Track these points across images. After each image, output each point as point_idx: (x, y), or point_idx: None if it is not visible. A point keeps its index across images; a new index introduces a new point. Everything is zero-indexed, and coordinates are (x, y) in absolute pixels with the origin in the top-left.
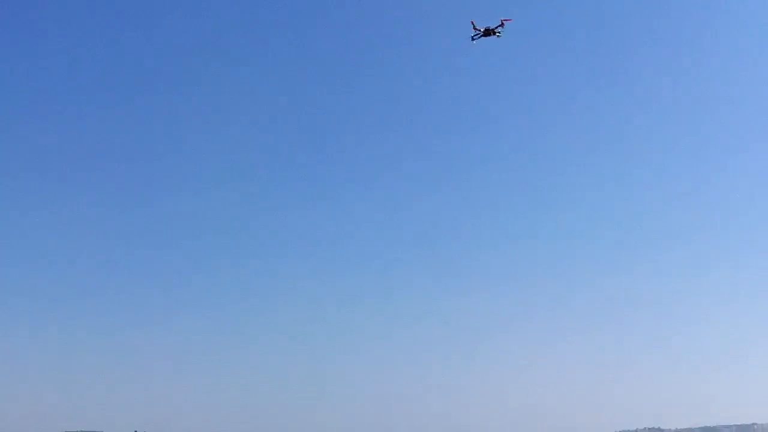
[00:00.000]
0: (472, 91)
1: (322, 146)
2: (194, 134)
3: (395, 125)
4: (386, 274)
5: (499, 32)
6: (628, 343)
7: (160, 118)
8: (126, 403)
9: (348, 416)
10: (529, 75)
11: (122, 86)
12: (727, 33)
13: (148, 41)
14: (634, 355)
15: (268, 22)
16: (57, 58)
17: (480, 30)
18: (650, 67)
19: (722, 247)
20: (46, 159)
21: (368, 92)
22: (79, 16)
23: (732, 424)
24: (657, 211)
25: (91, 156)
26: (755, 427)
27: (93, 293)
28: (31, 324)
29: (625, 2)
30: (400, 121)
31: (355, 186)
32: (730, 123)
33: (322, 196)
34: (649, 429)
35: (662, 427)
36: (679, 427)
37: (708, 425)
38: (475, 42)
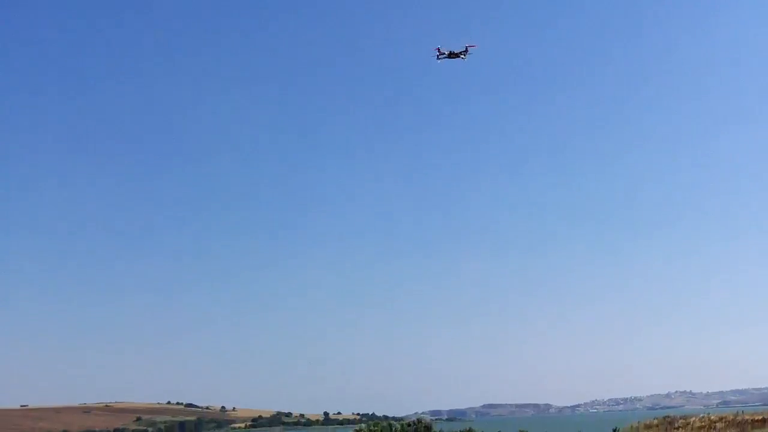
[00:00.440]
0: None
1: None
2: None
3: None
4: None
5: (464, 57)
6: (660, 307)
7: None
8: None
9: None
10: None
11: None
12: None
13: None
14: (666, 320)
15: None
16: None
17: (445, 53)
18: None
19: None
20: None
21: None
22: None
23: (763, 387)
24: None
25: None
26: None
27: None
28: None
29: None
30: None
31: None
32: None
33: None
34: (680, 392)
35: (693, 390)
36: (710, 391)
37: (738, 388)
38: (440, 61)
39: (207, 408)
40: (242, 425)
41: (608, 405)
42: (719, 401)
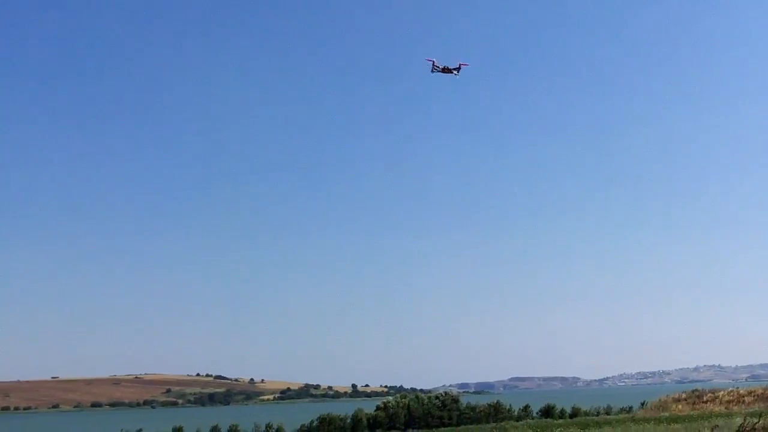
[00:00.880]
0: None
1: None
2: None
3: None
4: None
5: (456, 73)
6: (689, 281)
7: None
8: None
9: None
10: None
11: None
12: None
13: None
14: (695, 294)
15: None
16: None
17: (439, 67)
18: None
19: None
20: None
21: None
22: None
23: None
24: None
25: None
26: None
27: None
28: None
29: None
30: None
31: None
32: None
33: None
34: (709, 366)
35: (722, 364)
36: (739, 364)
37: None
38: (433, 74)
39: (236, 380)
40: (271, 397)
41: (636, 379)
42: (748, 375)
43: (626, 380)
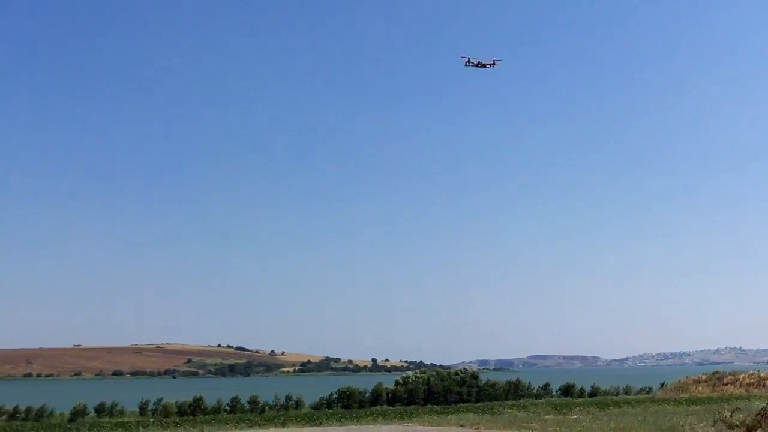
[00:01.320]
0: None
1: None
2: None
3: None
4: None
5: (489, 67)
6: (711, 262)
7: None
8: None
9: None
10: None
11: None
12: None
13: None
14: (717, 275)
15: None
16: None
17: (473, 62)
18: None
19: None
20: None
21: None
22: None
23: None
24: None
25: None
26: None
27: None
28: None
29: None
30: None
31: None
32: None
33: None
34: (730, 348)
35: (743, 347)
36: (760, 347)
37: None
38: (467, 67)
39: (256, 352)
40: (291, 369)
41: (656, 359)
42: None
43: (646, 361)
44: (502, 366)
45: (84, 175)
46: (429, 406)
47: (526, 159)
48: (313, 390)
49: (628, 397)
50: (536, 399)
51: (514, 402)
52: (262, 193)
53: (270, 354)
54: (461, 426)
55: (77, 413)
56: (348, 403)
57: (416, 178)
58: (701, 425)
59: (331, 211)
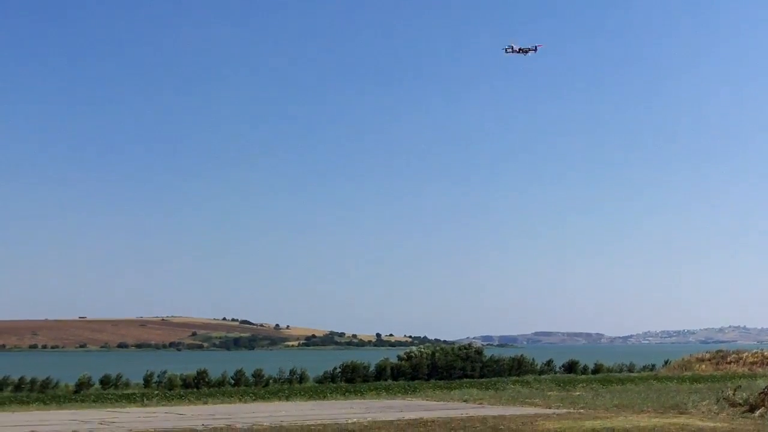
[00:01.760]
0: None
1: None
2: None
3: None
4: None
5: (532, 53)
6: (715, 239)
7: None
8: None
9: None
10: None
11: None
12: None
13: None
14: (721, 253)
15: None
16: None
17: (515, 50)
18: None
19: None
20: None
21: None
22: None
23: None
24: None
25: None
26: None
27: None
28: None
29: None
30: None
31: None
32: None
33: None
34: (734, 327)
35: (747, 326)
36: (764, 326)
37: None
38: (507, 54)
39: (261, 325)
40: (295, 343)
41: (660, 337)
42: None
43: (650, 338)
44: (506, 342)
45: (90, 147)
46: (433, 381)
47: (530, 135)
48: (318, 364)
49: (632, 374)
50: (540, 375)
51: (517, 378)
52: (266, 166)
53: (275, 328)
54: (465, 401)
55: (82, 385)
56: (352, 378)
57: (420, 153)
58: (704, 403)
59: (336, 185)
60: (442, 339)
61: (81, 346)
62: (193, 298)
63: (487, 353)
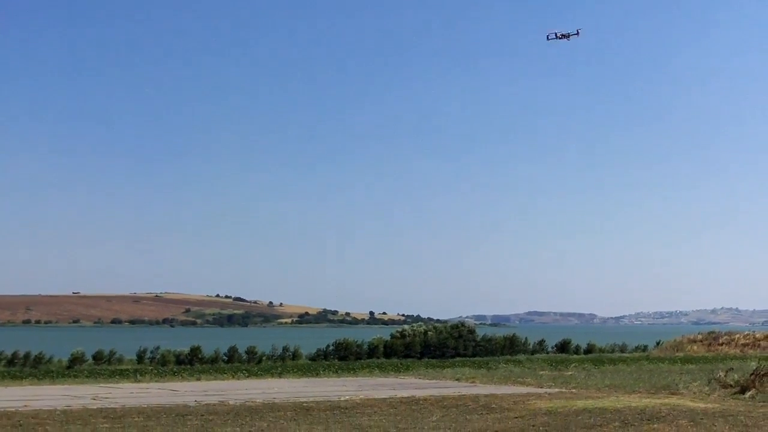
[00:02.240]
0: None
1: None
2: None
3: None
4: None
5: (575, 36)
6: (707, 224)
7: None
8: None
9: None
10: None
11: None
12: None
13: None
14: (714, 234)
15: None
16: None
17: (557, 35)
18: None
19: None
20: None
21: None
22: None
23: None
24: None
25: None
26: None
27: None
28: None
29: None
30: None
31: None
32: None
33: None
34: (726, 309)
35: (740, 307)
36: (756, 308)
37: None
38: (549, 41)
39: (255, 302)
40: (289, 321)
41: (653, 318)
42: (765, 320)
43: (642, 319)
44: (498, 321)
45: (85, 123)
46: (425, 359)
47: (523, 115)
48: (311, 342)
49: (624, 354)
50: (532, 355)
51: (510, 357)
52: (263, 142)
53: (268, 305)
54: (457, 380)
55: (75, 360)
56: (344, 355)
57: (416, 131)
58: (695, 384)
59: (330, 162)
60: (435, 318)
61: (74, 322)
62: (186, 274)
63: (480, 332)
